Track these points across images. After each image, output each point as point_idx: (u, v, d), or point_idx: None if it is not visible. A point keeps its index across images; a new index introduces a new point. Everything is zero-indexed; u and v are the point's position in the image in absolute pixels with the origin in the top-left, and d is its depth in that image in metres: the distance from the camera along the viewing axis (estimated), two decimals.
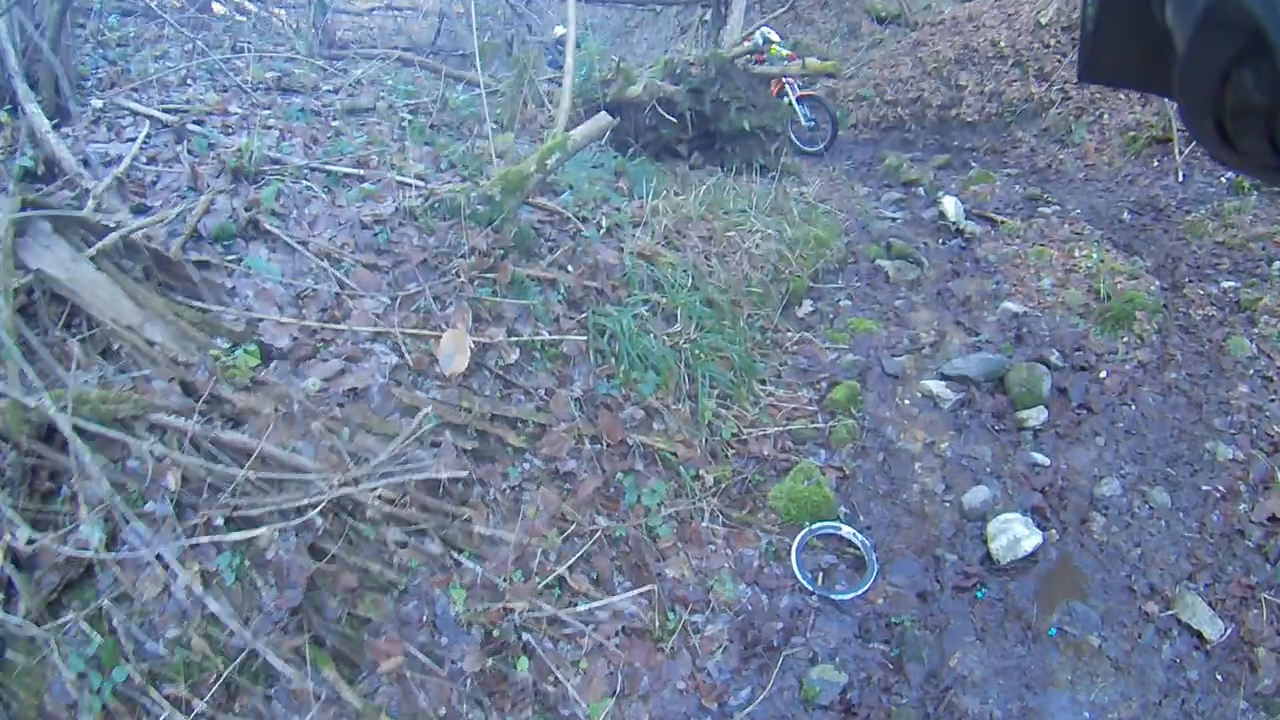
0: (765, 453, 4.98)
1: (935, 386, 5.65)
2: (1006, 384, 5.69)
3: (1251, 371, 5.90)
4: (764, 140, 8.23)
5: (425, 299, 4.49)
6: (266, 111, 6.15)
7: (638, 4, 14.07)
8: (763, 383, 5.49)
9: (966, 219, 7.87)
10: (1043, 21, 10.81)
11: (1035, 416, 5.49)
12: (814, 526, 4.64)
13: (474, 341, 4.31)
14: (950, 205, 7.94)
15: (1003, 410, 5.59)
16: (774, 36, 9.81)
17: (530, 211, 5.46)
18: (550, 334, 4.76)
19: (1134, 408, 5.72)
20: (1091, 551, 4.75)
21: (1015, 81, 10.67)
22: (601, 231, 5.61)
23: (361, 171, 5.25)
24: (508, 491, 4.13)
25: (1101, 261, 6.94)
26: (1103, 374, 5.92)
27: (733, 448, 4.98)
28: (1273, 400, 5.66)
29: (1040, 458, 5.30)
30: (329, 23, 10.08)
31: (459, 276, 4.65)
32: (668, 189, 6.78)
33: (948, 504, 5.00)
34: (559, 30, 11.12)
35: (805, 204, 7.62)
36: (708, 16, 11.05)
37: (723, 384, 5.18)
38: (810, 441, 5.14)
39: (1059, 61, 10.54)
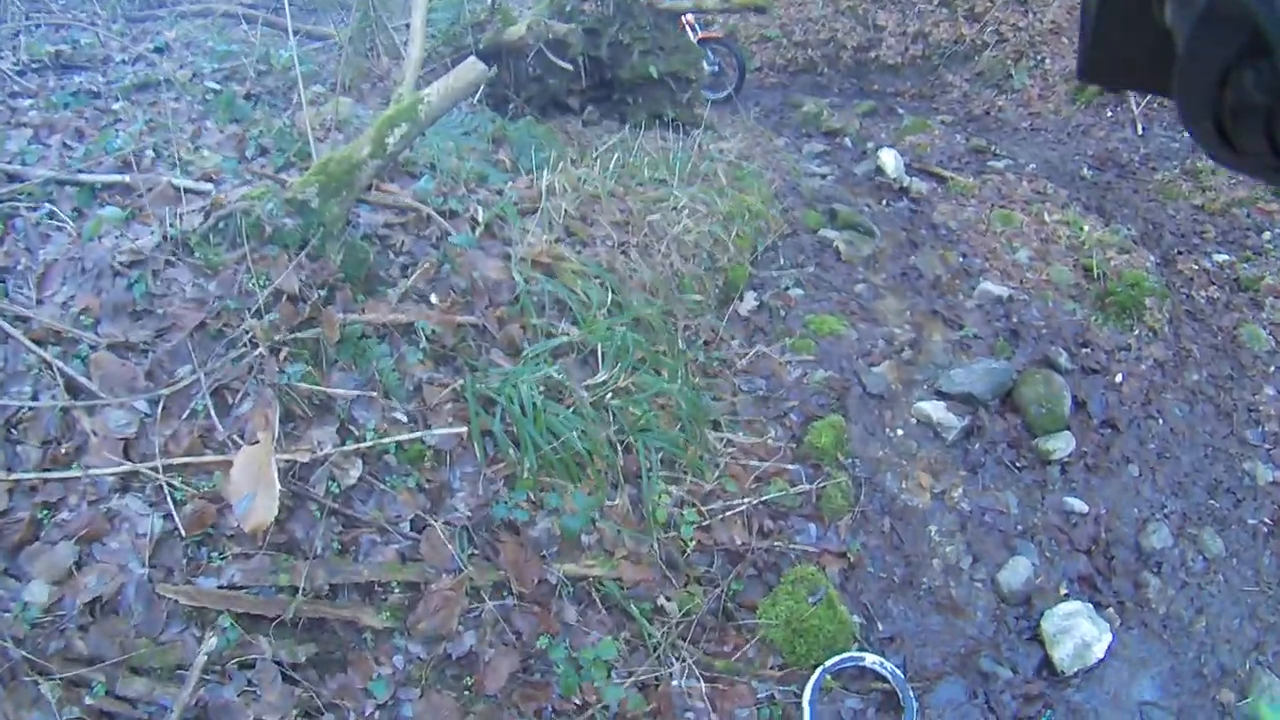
0: (738, 542, 3.39)
1: (933, 409, 4.24)
2: (1018, 401, 4.37)
3: (1273, 369, 5.08)
4: (674, 88, 6.55)
5: (202, 395, 2.83)
6: (30, 101, 4.36)
7: None
8: (716, 426, 3.93)
9: (909, 175, 6.50)
10: None
11: (1060, 446, 4.22)
12: (828, 664, 3.16)
13: (285, 461, 2.69)
14: (889, 159, 6.52)
15: (1019, 438, 4.28)
16: None
17: (373, 211, 3.75)
18: (409, 424, 3.12)
19: (1160, 421, 4.63)
20: (1154, 631, 3.72)
21: (942, 21, 9.32)
22: (478, 231, 3.92)
23: (128, 178, 3.50)
24: (377, 717, 2.53)
25: (1083, 230, 5.72)
26: (1118, 378, 4.75)
27: (695, 546, 3.43)
28: None
29: (1076, 504, 4.08)
30: None
31: (255, 346, 2.97)
32: (563, 157, 5.10)
33: (979, 585, 3.67)
34: None
35: (727, 163, 6.04)
36: None
37: (668, 447, 3.59)
38: (794, 514, 3.61)
39: (990, 1, 9.25)
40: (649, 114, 6.42)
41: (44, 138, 3.90)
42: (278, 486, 2.47)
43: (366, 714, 2.50)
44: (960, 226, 5.81)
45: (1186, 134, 0.52)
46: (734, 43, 8.84)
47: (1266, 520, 4.27)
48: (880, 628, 3.39)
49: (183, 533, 2.59)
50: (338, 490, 2.85)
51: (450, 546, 2.87)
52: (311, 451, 2.79)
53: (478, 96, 5.21)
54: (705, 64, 8.24)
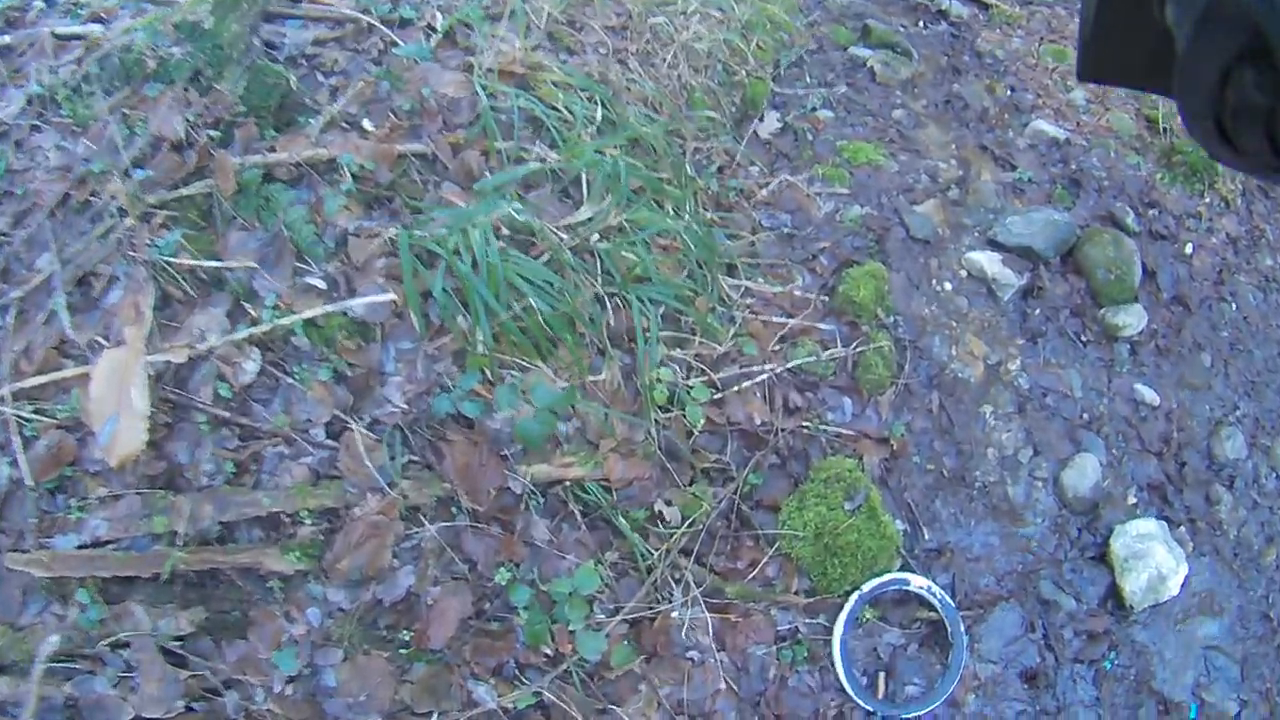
0: (758, 421, 2.60)
1: (987, 262, 3.44)
2: (1083, 262, 3.60)
3: None
4: None
5: (57, 290, 2.16)
6: None
7: None
8: (731, 271, 3.05)
9: None
10: None
11: (1131, 321, 3.48)
12: (865, 589, 2.43)
13: (159, 362, 2.04)
14: None
15: (1084, 305, 3.53)
16: None
17: (301, 27, 2.84)
18: (328, 291, 2.31)
19: (1234, 306, 3.94)
20: (1225, 559, 3.20)
21: None
22: (434, 40, 2.96)
23: (7, 37, 2.83)
24: (289, 692, 1.82)
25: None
26: (1188, 248, 4.00)
27: (704, 428, 2.61)
28: None
29: (1148, 393, 3.39)
30: None
31: (123, 216, 2.24)
32: None
33: (1040, 484, 2.98)
34: None
35: None
36: None
37: (671, 302, 2.73)
38: (826, 384, 2.82)
39: None
40: None
41: None
42: (148, 399, 1.94)
43: (277, 691, 1.77)
44: (1007, 57, 4.89)
45: (1209, 157, 0.49)
46: None
47: None
48: (926, 536, 2.68)
49: (31, 481, 1.99)
50: (229, 393, 2.11)
51: (378, 454, 2.11)
52: (191, 346, 2.06)
53: None
54: None
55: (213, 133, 2.41)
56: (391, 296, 2.29)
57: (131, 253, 2.22)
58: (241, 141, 2.46)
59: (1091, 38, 0.61)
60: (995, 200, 3.85)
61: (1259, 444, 3.51)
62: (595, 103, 3.02)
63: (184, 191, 2.34)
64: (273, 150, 2.46)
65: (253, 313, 2.22)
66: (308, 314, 2.21)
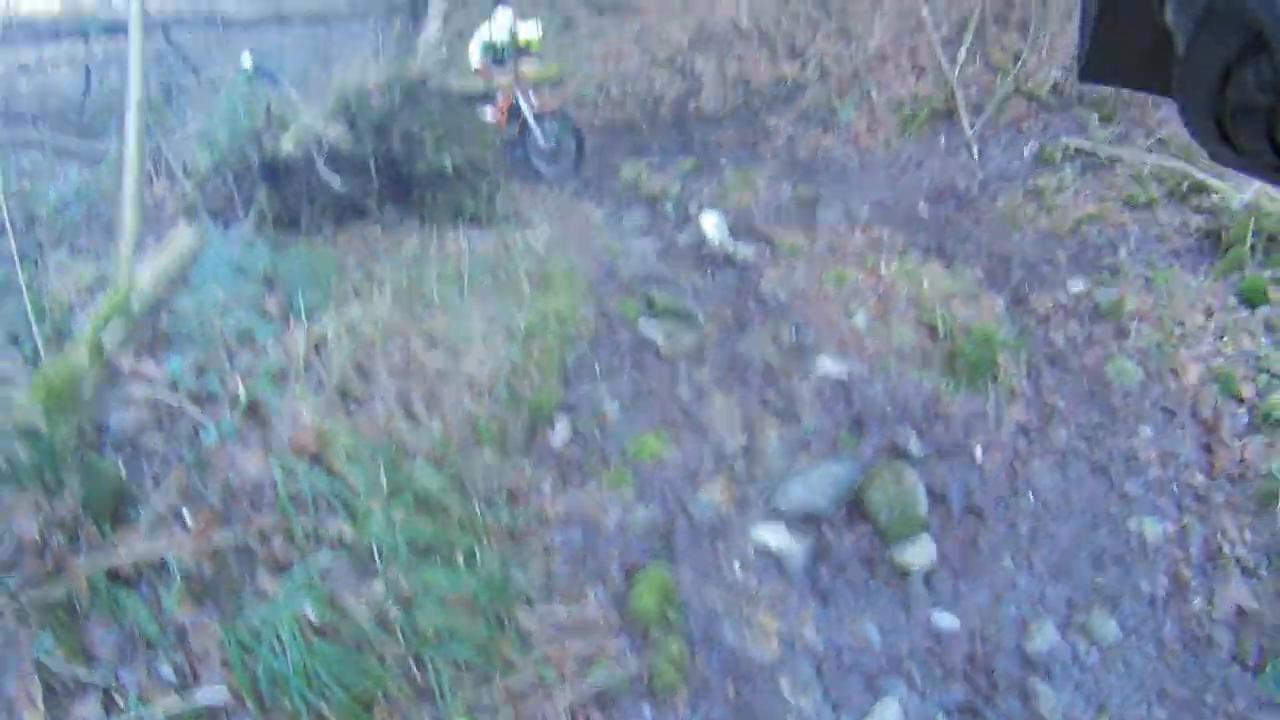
0: None
1: (772, 536, 3.98)
2: (867, 507, 4.16)
3: (1147, 404, 4.97)
4: (472, 180, 6.37)
5: None
6: None
7: (309, 24, 12.48)
8: (529, 602, 3.61)
9: (733, 239, 6.35)
10: None
11: (920, 554, 4.04)
12: None
13: None
14: (710, 224, 6.33)
15: (872, 551, 4.08)
16: (531, 32, 8.14)
17: (123, 408, 3.43)
18: (177, 680, 2.86)
19: (1030, 496, 4.53)
20: None
21: (762, 62, 9.34)
22: (239, 412, 3.57)
23: None
24: None
25: (922, 280, 5.65)
26: (977, 453, 4.62)
27: None
28: (1181, 434, 4.80)
29: (945, 619, 3.91)
30: None
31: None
32: (347, 286, 4.81)
33: None
34: (247, 59, 9.00)
35: (536, 257, 5.80)
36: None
37: (468, 655, 3.25)
38: (624, 698, 3.30)
39: (811, 34, 9.30)
40: (450, 209, 6.16)
41: None
42: None
43: None
44: (790, 295, 5.58)
45: (1209, 157, 0.52)
46: (569, 114, 8.71)
47: (1164, 582, 4.18)
48: None
49: None
50: None
51: None
52: None
53: (257, 216, 4.97)
54: (540, 139, 8.14)
55: (62, 538, 2.97)
56: (223, 688, 2.82)
57: (16, 653, 2.69)
58: (87, 542, 2.97)
59: (1092, 39, 0.64)
60: (781, 461, 4.43)
61: (1074, 623, 3.97)
62: (378, 461, 3.62)
63: (50, 593, 2.83)
64: (114, 548, 3.00)
65: (120, 703, 2.70)
66: (163, 708, 2.71)
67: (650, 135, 9.22)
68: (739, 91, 9.21)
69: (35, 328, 3.67)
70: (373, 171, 5.81)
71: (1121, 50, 0.64)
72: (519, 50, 8.07)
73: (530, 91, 7.98)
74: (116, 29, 9.33)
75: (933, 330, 5.28)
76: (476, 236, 5.94)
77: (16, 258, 4.05)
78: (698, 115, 9.24)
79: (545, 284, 5.37)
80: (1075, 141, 7.09)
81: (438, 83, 6.60)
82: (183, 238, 3.60)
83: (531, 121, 8.06)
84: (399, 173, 6.05)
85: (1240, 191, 5.92)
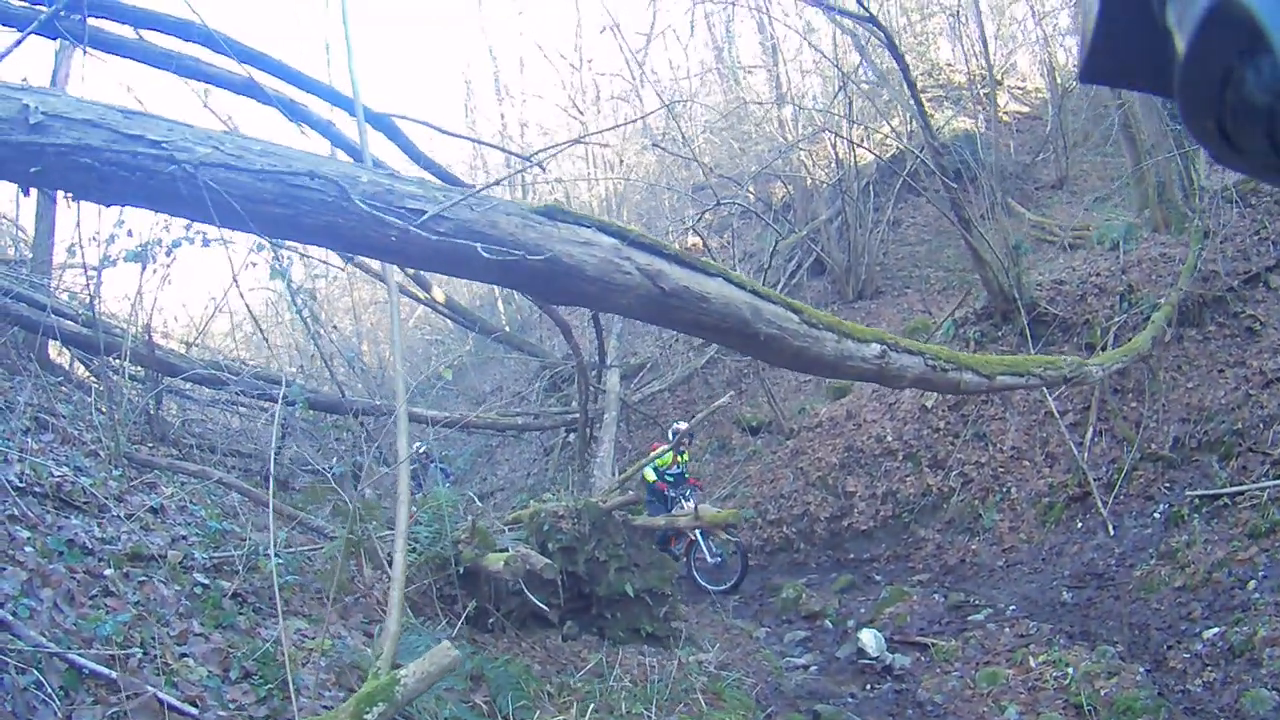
0: None
1: None
2: None
3: None
4: (650, 604, 7.53)
5: None
6: (27, 534, 4.57)
7: (497, 430, 14.07)
8: None
9: (890, 651, 7.20)
10: (928, 406, 10.87)
11: None
12: None
13: None
14: (869, 640, 7.19)
15: None
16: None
17: None
18: None
19: None
20: None
21: (908, 476, 10.48)
22: None
23: (114, 674, 3.82)
24: None
25: (1067, 666, 6.33)
26: None
27: None
28: None
29: None
30: (159, 412, 8.84)
31: None
32: (540, 695, 5.80)
33: None
34: (425, 452, 10.52)
35: (708, 675, 6.79)
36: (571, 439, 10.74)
37: None
38: None
39: (952, 444, 10.45)
40: (627, 629, 7.27)
41: (36, 588, 4.10)
42: None
43: None
44: (946, 699, 6.31)
45: (1211, 157, 0.58)
46: (737, 534, 9.85)
47: None
48: None
49: None
50: None
51: None
52: None
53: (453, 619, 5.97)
54: (708, 556, 9.34)
55: None
56: None
57: None
58: None
59: (1093, 41, 0.67)
60: None
61: None
62: None
63: None
64: None
65: None
66: None
67: (807, 553, 10.32)
68: (888, 505, 10.31)
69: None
70: (559, 588, 6.87)
71: (1123, 52, 0.67)
72: (681, 475, 9.51)
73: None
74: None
75: (1079, 710, 5.84)
76: (651, 654, 6.99)
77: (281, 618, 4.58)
78: (850, 532, 10.34)
79: (718, 698, 6.33)
80: (1198, 492, 7.79)
81: (622, 515, 7.80)
82: (441, 655, 4.60)
83: (700, 540, 9.26)
84: (581, 590, 7.22)
85: None
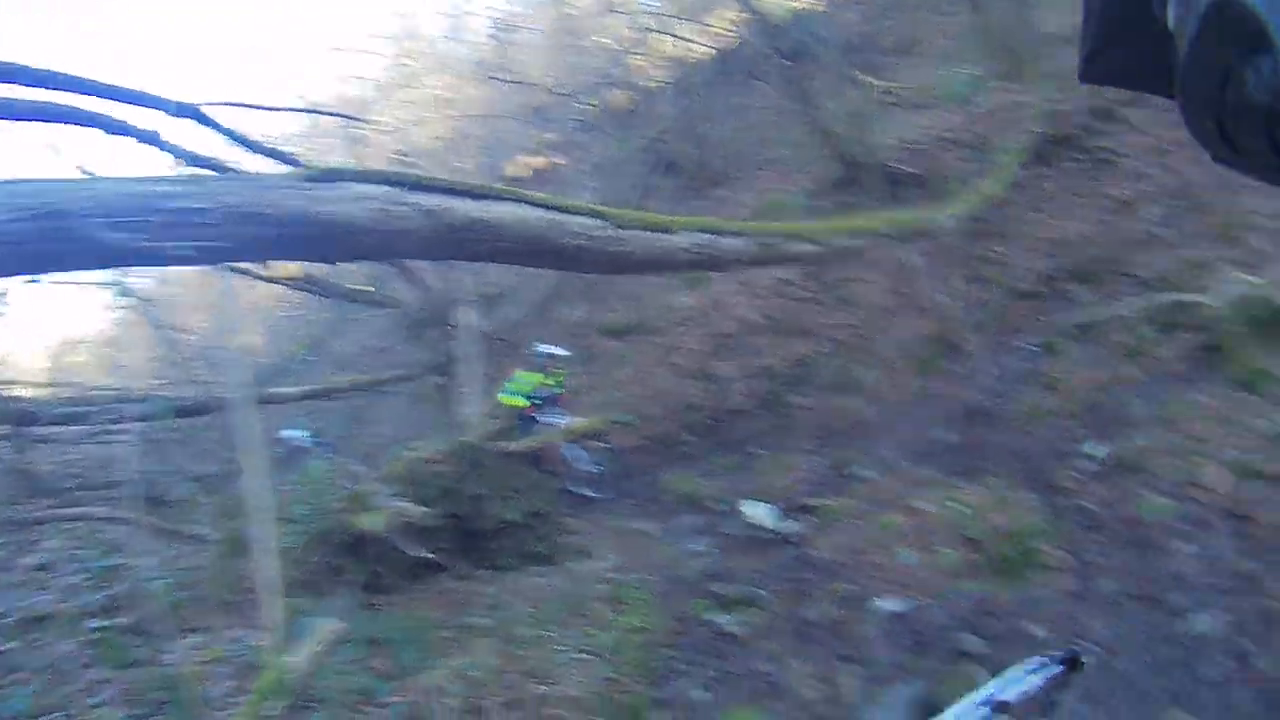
0: None
1: None
2: (940, 708, 4.79)
3: (1181, 527, 5.51)
4: (534, 526, 7.63)
5: None
6: None
7: (363, 390, 14.54)
8: None
9: (782, 520, 7.24)
10: (788, 280, 11.13)
11: None
12: None
13: None
14: (755, 511, 7.31)
15: None
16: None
17: None
18: None
19: (1095, 647, 4.96)
20: None
21: (778, 349, 10.64)
22: None
23: None
24: None
25: (957, 504, 6.37)
26: (1035, 630, 5.20)
27: None
28: (1218, 532, 5.32)
29: None
30: (29, 461, 8.88)
31: None
32: (441, 637, 5.92)
33: None
34: (302, 433, 11.09)
35: (605, 581, 6.83)
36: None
37: None
38: None
39: (817, 310, 10.74)
40: (516, 554, 7.36)
41: None
42: None
43: None
44: (841, 554, 6.45)
45: (1210, 158, 0.58)
46: (609, 439, 10.13)
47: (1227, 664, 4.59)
48: None
49: None
50: None
51: None
52: None
53: (343, 577, 6.02)
54: (588, 466, 9.61)
55: None
56: None
57: None
58: None
59: (1093, 41, 0.69)
60: (862, 700, 5.08)
61: None
62: None
63: None
64: None
65: None
66: None
67: (692, 445, 10.29)
68: (763, 381, 10.43)
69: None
70: (445, 532, 7.07)
71: (1123, 52, 0.68)
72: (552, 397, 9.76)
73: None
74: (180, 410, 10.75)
75: (975, 543, 5.98)
76: (545, 574, 7.06)
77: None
78: (730, 415, 10.34)
79: (619, 603, 6.34)
80: (1067, 319, 8.07)
81: (495, 447, 7.99)
82: (324, 628, 4.59)
83: (575, 452, 9.53)
84: (469, 529, 7.30)
85: (1219, 296, 6.76)
